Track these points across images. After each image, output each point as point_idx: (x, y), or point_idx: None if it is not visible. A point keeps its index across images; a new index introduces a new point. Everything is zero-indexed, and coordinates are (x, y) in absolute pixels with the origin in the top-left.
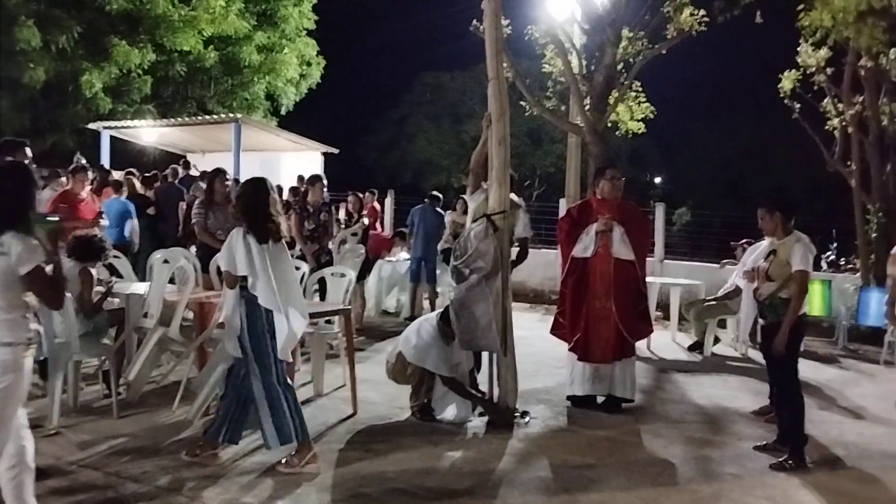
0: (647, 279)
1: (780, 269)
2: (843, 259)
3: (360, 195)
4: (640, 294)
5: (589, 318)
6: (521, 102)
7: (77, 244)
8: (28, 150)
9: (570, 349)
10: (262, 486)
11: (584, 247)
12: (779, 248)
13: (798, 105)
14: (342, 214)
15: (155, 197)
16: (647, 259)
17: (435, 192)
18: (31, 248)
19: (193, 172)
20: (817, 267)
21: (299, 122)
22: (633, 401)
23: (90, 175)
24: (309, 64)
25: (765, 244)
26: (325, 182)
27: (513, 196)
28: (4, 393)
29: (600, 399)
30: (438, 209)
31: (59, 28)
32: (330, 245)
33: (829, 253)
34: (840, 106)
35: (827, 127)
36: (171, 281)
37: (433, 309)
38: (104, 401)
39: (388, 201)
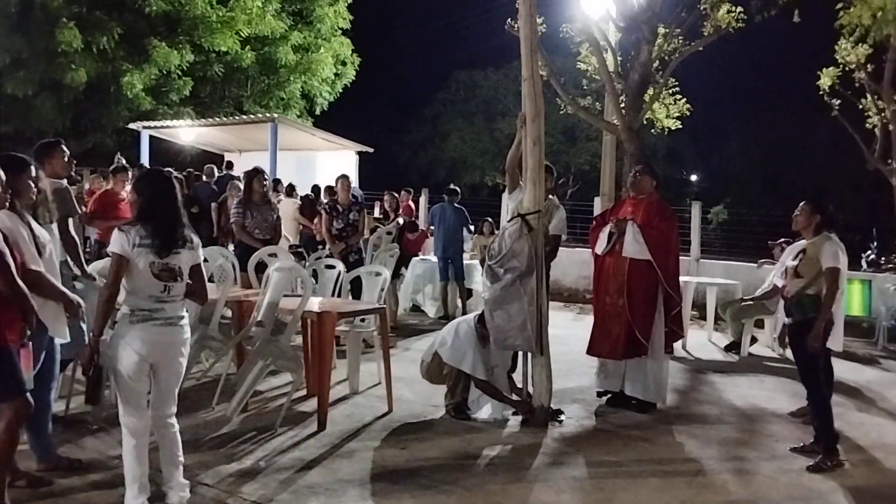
0: (683, 279)
1: (810, 267)
2: (883, 258)
3: (396, 194)
4: (666, 296)
5: (600, 314)
6: (557, 100)
7: None
8: (64, 148)
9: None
10: (300, 482)
11: (600, 244)
12: (808, 247)
13: (838, 102)
14: (377, 213)
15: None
16: (683, 258)
17: (452, 187)
18: (116, 238)
19: (234, 173)
20: (857, 266)
21: (334, 120)
22: (656, 404)
23: (130, 175)
24: (344, 63)
25: (801, 244)
26: (349, 181)
27: (552, 198)
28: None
29: (634, 400)
30: (457, 205)
31: (100, 30)
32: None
33: (869, 252)
34: (880, 103)
35: (867, 124)
36: (211, 279)
37: (464, 306)
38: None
39: (423, 200)
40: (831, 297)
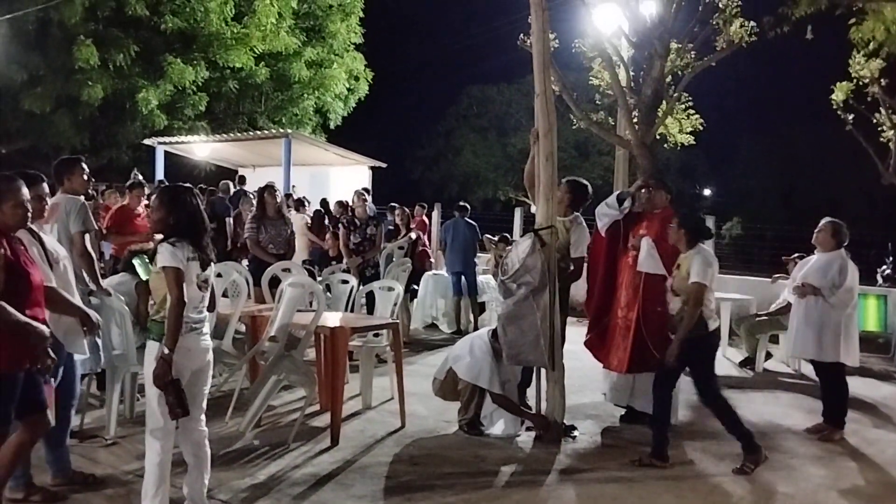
0: None
1: (683, 283)
2: None
3: (406, 209)
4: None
5: (611, 327)
6: (569, 115)
7: (132, 258)
8: (84, 165)
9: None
10: (313, 497)
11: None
12: (682, 262)
13: (852, 116)
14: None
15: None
16: None
17: (463, 203)
18: (170, 252)
19: (246, 188)
20: (873, 281)
21: (347, 136)
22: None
23: (146, 191)
24: (357, 78)
25: (814, 258)
26: (366, 196)
27: (576, 214)
28: None
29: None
30: (469, 220)
31: (117, 47)
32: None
33: (884, 267)
34: (895, 117)
35: (881, 139)
36: (224, 294)
37: (476, 320)
38: None
39: (436, 215)
40: (691, 315)
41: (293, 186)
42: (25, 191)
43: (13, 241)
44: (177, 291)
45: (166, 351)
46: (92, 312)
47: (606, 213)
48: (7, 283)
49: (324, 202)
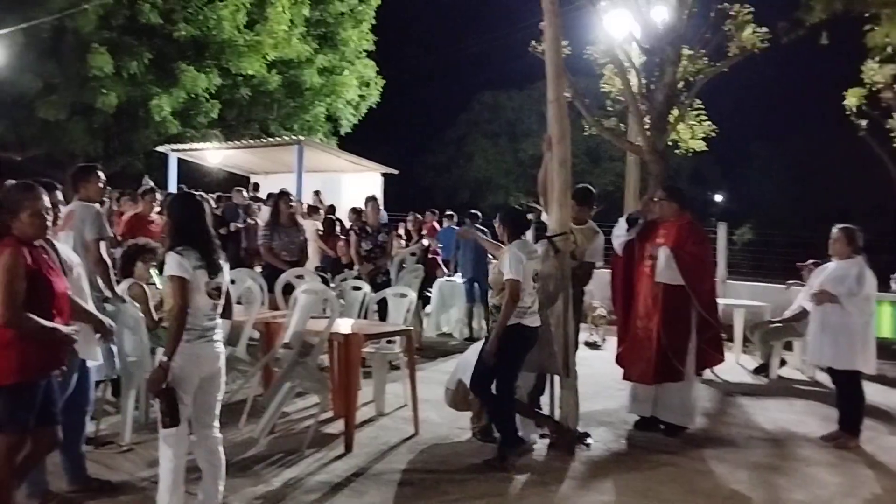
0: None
1: (497, 278)
2: None
3: (419, 215)
4: (701, 321)
5: (631, 338)
6: (581, 121)
7: (123, 260)
8: (100, 173)
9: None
10: None
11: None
12: (501, 257)
13: (865, 122)
14: (401, 232)
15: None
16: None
17: (473, 211)
18: (175, 261)
19: (259, 195)
20: (886, 287)
21: (358, 142)
22: (687, 428)
23: (159, 197)
24: (368, 85)
25: (832, 265)
26: (378, 202)
27: (592, 224)
28: None
29: (662, 424)
30: (479, 226)
31: (131, 55)
32: (389, 265)
33: None
34: None
35: (894, 144)
36: (238, 301)
37: (489, 327)
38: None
39: (447, 221)
40: (507, 309)
41: (318, 192)
42: (46, 200)
43: (35, 249)
44: (180, 300)
45: (165, 359)
46: (106, 319)
47: (619, 235)
48: (30, 291)
49: (331, 208)
